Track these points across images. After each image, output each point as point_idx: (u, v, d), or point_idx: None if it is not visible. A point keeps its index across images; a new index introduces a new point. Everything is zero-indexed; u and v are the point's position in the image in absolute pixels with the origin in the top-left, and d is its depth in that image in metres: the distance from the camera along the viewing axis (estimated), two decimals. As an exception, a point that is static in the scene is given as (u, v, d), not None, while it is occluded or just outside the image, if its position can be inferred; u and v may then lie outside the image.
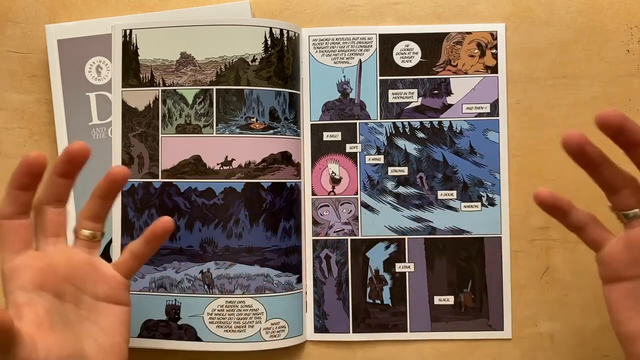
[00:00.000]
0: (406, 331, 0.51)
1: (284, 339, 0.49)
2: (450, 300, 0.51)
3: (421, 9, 0.52)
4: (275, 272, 0.49)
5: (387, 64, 0.51)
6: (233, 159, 0.49)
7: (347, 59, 0.52)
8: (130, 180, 0.50)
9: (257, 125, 0.49)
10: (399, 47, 0.51)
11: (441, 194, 0.51)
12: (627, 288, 0.36)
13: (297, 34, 0.51)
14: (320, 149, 0.52)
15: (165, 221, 0.40)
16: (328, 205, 0.52)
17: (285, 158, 0.50)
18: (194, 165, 0.49)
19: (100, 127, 0.51)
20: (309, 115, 0.52)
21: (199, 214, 0.49)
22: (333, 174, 0.52)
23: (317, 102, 0.52)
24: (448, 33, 0.51)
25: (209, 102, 0.49)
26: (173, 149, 0.50)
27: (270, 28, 0.49)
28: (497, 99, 0.51)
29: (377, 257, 0.51)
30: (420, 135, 0.51)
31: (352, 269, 0.51)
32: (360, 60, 0.52)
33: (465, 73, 0.51)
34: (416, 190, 0.51)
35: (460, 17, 0.52)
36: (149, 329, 0.49)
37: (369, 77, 0.51)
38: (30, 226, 0.37)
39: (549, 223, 0.50)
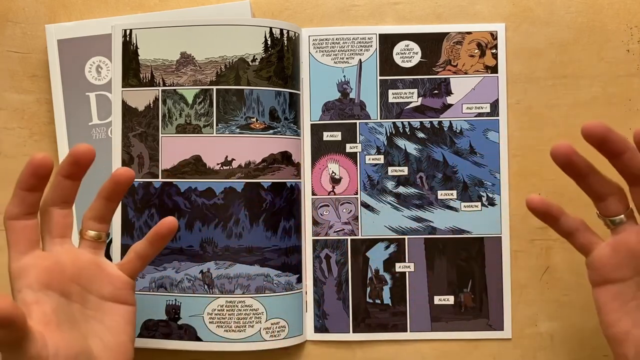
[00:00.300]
0: (406, 331, 0.51)
1: (284, 338, 0.49)
2: (450, 300, 0.51)
3: (421, 9, 0.52)
4: (275, 272, 0.49)
5: (387, 64, 0.51)
6: (233, 159, 0.49)
7: (347, 59, 0.52)
8: (130, 180, 0.50)
9: (257, 125, 0.49)
10: (399, 47, 0.51)
11: (441, 194, 0.51)
12: (615, 291, 0.38)
13: (297, 34, 0.51)
14: (320, 149, 0.52)
15: (169, 222, 0.40)
16: (328, 205, 0.52)
17: (285, 158, 0.50)
18: (194, 165, 0.50)
19: (100, 127, 0.51)
20: (309, 115, 0.52)
21: (199, 214, 0.49)
22: (333, 174, 0.52)
23: (317, 102, 0.52)
24: (448, 33, 0.51)
25: (209, 102, 0.49)
26: (173, 149, 0.50)
27: (270, 28, 0.49)
28: (497, 99, 0.51)
29: (377, 257, 0.51)
30: (420, 135, 0.51)
31: (352, 269, 0.51)
32: (360, 60, 0.52)
33: (465, 73, 0.51)
34: (416, 190, 0.51)
35: (460, 17, 0.52)
36: (149, 329, 0.50)
37: (369, 77, 0.52)
38: (37, 227, 0.38)
39: (549, 223, 0.50)
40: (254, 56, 0.49)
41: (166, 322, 0.49)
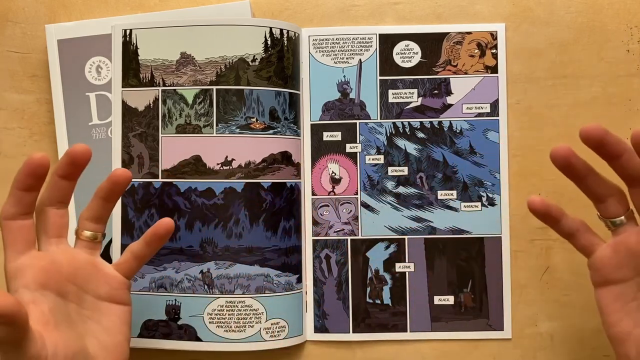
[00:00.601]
0: (406, 331, 0.51)
1: (284, 339, 0.49)
2: (450, 300, 0.51)
3: (421, 9, 0.52)
4: (275, 272, 0.49)
5: (387, 64, 0.51)
6: (233, 159, 0.49)
7: (347, 59, 0.52)
8: (130, 180, 0.50)
9: (257, 125, 0.49)
10: (399, 47, 0.51)
11: (441, 194, 0.51)
12: (616, 291, 0.39)
13: (297, 34, 0.51)
14: (320, 149, 0.52)
15: (166, 222, 0.40)
16: (328, 205, 0.52)
17: (285, 158, 0.50)
18: (194, 165, 0.50)
19: (100, 127, 0.51)
20: (309, 115, 0.52)
21: (199, 214, 0.49)
22: (333, 174, 0.52)
23: (317, 102, 0.52)
24: (448, 33, 0.51)
25: (209, 102, 0.49)
26: (173, 149, 0.50)
27: (270, 28, 0.49)
28: (497, 99, 0.51)
29: (377, 257, 0.51)
30: (420, 135, 0.51)
31: (352, 269, 0.51)
32: (360, 60, 0.52)
33: (465, 73, 0.51)
34: (416, 190, 0.51)
35: (460, 17, 0.52)
36: (149, 329, 0.49)
37: (369, 77, 0.52)
38: (33, 227, 0.38)
39: (549, 223, 0.50)
40: (254, 56, 0.49)
41: (166, 322, 0.49)
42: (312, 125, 0.52)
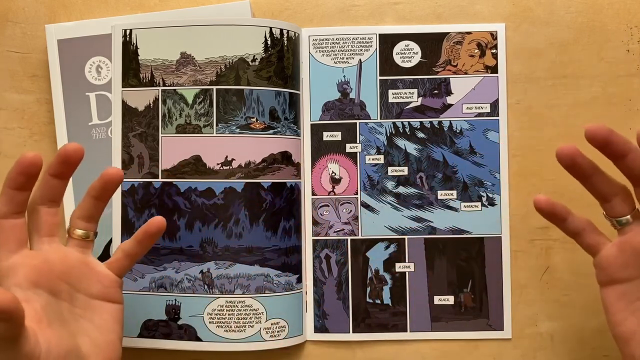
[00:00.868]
0: (406, 331, 0.51)
1: (284, 339, 0.49)
2: (450, 300, 0.51)
3: (421, 9, 0.52)
4: (275, 272, 0.49)
5: (387, 64, 0.51)
6: (233, 159, 0.49)
7: (347, 59, 0.52)
8: (130, 180, 0.50)
9: (257, 125, 0.49)
10: (399, 47, 0.51)
11: (441, 194, 0.51)
12: (621, 290, 0.39)
13: (297, 34, 0.51)
14: (320, 149, 0.52)
15: (157, 221, 0.41)
16: (328, 205, 0.52)
17: (285, 158, 0.50)
18: (194, 165, 0.50)
19: (100, 127, 0.51)
20: (309, 115, 0.52)
21: (199, 214, 0.49)
22: (333, 174, 0.52)
23: (317, 102, 0.52)
24: (448, 33, 0.51)
25: (209, 102, 0.49)
26: (173, 149, 0.50)
27: (270, 28, 0.49)
28: (497, 99, 0.51)
29: (377, 257, 0.51)
30: (420, 135, 0.51)
31: (352, 269, 0.51)
32: (360, 60, 0.52)
33: (465, 73, 0.51)
34: (416, 190, 0.51)
35: (460, 17, 0.52)
36: (149, 329, 0.49)
37: (369, 77, 0.52)
38: (25, 225, 0.38)
39: (549, 223, 0.50)
40: (254, 56, 0.49)
41: (166, 322, 0.49)
42: (312, 125, 0.52)
